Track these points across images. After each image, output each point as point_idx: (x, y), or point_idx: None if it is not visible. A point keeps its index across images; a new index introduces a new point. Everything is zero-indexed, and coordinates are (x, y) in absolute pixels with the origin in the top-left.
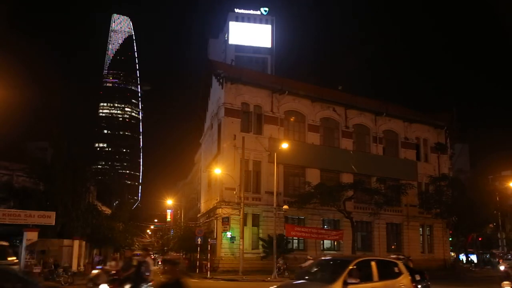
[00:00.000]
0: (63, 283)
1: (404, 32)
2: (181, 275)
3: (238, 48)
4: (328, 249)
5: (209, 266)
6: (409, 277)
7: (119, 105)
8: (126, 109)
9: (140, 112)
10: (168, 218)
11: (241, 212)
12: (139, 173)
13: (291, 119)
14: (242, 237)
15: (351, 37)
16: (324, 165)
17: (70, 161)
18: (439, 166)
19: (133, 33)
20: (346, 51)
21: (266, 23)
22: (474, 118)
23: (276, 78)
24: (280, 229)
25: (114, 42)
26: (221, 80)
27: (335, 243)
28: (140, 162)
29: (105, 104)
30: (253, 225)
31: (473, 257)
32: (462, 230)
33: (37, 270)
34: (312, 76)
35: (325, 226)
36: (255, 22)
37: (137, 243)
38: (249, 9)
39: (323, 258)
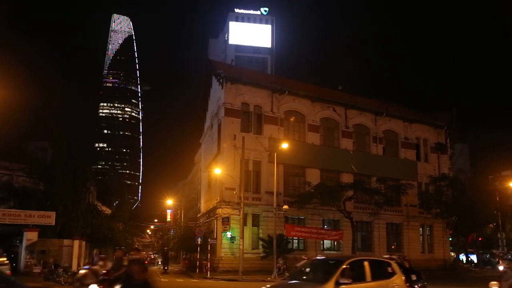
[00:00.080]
0: (63, 283)
1: (404, 32)
2: (149, 275)
3: (238, 48)
4: (328, 249)
5: (209, 266)
6: (403, 277)
7: (119, 105)
8: (126, 109)
9: (140, 112)
10: (168, 218)
11: (241, 212)
12: (139, 173)
13: (291, 119)
14: (242, 237)
15: (351, 37)
16: (324, 165)
17: (70, 161)
18: (439, 166)
19: (133, 33)
20: (346, 51)
21: (266, 23)
22: (474, 118)
23: (276, 78)
24: (280, 229)
25: (114, 42)
26: (221, 80)
27: (335, 243)
28: (140, 162)
29: (105, 104)
30: (253, 225)
31: (473, 257)
32: (462, 230)
33: (37, 270)
34: (312, 76)
35: (325, 226)
36: (255, 22)
37: (137, 243)
38: (249, 9)
39: (316, 257)
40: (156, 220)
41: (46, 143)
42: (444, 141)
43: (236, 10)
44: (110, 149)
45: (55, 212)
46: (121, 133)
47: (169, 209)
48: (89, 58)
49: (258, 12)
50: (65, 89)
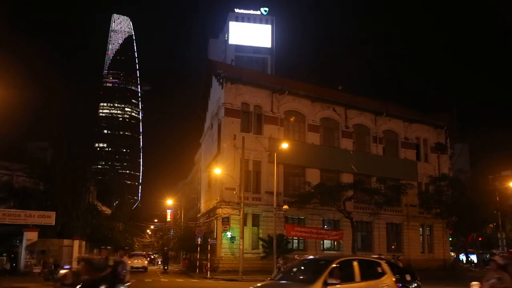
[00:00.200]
0: None
1: (404, 32)
2: (98, 276)
3: (238, 48)
4: (328, 249)
5: (209, 266)
6: (393, 278)
7: (119, 105)
8: (126, 109)
9: (140, 112)
10: (168, 218)
11: (241, 212)
12: (139, 173)
13: (291, 119)
14: (242, 237)
15: (351, 37)
16: (324, 165)
17: (70, 161)
18: (439, 166)
19: (133, 33)
20: (346, 51)
21: (266, 23)
22: (474, 118)
23: (276, 78)
24: (280, 229)
25: (114, 42)
26: (221, 80)
27: (335, 243)
28: (140, 162)
29: (105, 104)
30: (253, 225)
31: (473, 257)
32: (462, 230)
33: (37, 270)
34: (312, 76)
35: (325, 226)
36: (255, 22)
37: (137, 243)
38: (249, 9)
39: (306, 257)
40: (156, 220)
41: (46, 143)
42: (444, 141)
43: (236, 10)
44: (110, 149)
45: (55, 212)
46: (121, 133)
47: (169, 209)
48: (89, 58)
49: (258, 12)
50: (65, 89)
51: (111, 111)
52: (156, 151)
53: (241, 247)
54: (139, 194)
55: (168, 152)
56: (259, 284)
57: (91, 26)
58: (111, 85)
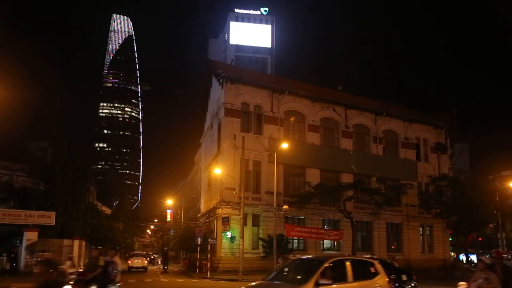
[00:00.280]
0: None
1: (404, 32)
2: (58, 277)
3: (238, 48)
4: (328, 249)
5: (209, 266)
6: (386, 278)
7: (119, 105)
8: (126, 109)
9: (140, 112)
10: (168, 218)
11: (241, 212)
12: (139, 173)
13: (291, 119)
14: (242, 237)
15: (351, 37)
16: (324, 165)
17: (70, 161)
18: (439, 166)
19: (133, 33)
20: (346, 51)
21: (266, 23)
22: (474, 118)
23: (276, 78)
24: (280, 229)
25: (114, 42)
26: (221, 80)
27: (335, 243)
28: (140, 162)
29: (105, 104)
30: (253, 225)
31: (473, 257)
32: (462, 230)
33: (37, 270)
34: (312, 76)
35: (325, 226)
36: (255, 22)
37: (137, 243)
38: (249, 9)
39: (298, 257)
40: (156, 220)
41: (46, 143)
42: (444, 141)
43: (236, 10)
44: (110, 149)
45: (55, 212)
46: (121, 133)
47: (169, 209)
48: (89, 58)
49: (258, 12)
50: (65, 89)
51: (111, 111)
52: (156, 151)
53: (241, 247)
54: (139, 194)
55: (168, 152)
56: (251, 284)
57: (91, 26)
58: (111, 85)
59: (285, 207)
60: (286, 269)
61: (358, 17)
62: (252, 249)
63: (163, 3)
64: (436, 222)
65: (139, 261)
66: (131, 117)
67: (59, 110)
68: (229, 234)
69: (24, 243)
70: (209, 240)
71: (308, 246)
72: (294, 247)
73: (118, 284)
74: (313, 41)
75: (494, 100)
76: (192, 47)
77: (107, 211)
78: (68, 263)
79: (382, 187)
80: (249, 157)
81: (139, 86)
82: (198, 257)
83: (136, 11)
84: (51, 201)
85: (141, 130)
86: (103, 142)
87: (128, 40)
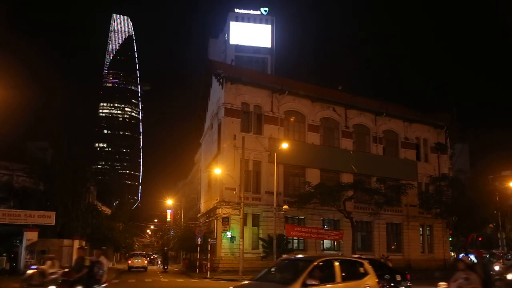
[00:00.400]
0: None
1: (404, 32)
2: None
3: (238, 48)
4: (328, 249)
5: (209, 266)
6: (375, 278)
7: (119, 105)
8: (126, 109)
9: (140, 112)
10: (168, 218)
11: (241, 212)
12: (139, 173)
13: (291, 119)
14: (242, 237)
15: (351, 37)
16: (324, 165)
17: (70, 161)
18: (439, 166)
19: (133, 33)
20: (346, 51)
21: (266, 23)
22: (474, 118)
23: (276, 78)
24: (280, 229)
25: (114, 42)
26: (221, 80)
27: (335, 243)
28: (140, 162)
29: (105, 104)
30: (253, 225)
31: (473, 257)
32: (462, 230)
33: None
34: (312, 76)
35: (325, 226)
36: (255, 22)
37: (137, 243)
38: (249, 9)
39: (286, 257)
40: (156, 220)
41: (46, 143)
42: (444, 141)
43: (236, 10)
44: (110, 149)
45: (55, 212)
46: (121, 133)
47: (169, 209)
48: (89, 58)
49: (258, 12)
50: (65, 89)
51: (111, 111)
52: (156, 151)
53: (241, 247)
54: (139, 194)
55: (168, 152)
56: (238, 284)
57: (91, 26)
58: (111, 85)
59: (285, 207)
60: (273, 269)
61: (358, 17)
62: (252, 249)
63: (163, 3)
64: (436, 222)
65: (139, 261)
66: (131, 117)
67: (59, 110)
68: (229, 234)
69: (24, 243)
70: (209, 240)
71: (308, 246)
72: (294, 247)
73: (104, 285)
74: (313, 41)
75: (494, 100)
76: (192, 47)
77: (107, 211)
78: (49, 263)
79: (382, 187)
80: (249, 157)
81: (139, 86)
82: (198, 257)
83: (136, 11)
84: (51, 201)
85: (141, 130)
86: (103, 142)
87: (128, 40)
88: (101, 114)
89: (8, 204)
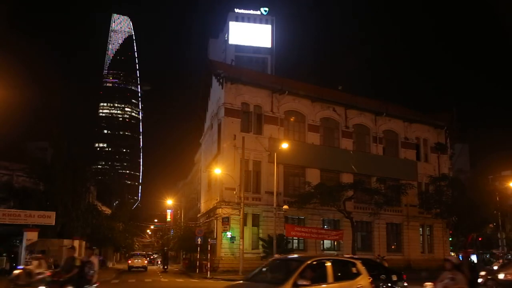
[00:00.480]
0: None
1: (404, 32)
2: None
3: (238, 48)
4: (328, 249)
5: (209, 266)
6: (368, 278)
7: (119, 105)
8: (126, 109)
9: (140, 112)
10: (168, 218)
11: (241, 212)
12: (139, 173)
13: (291, 119)
14: (242, 237)
15: (351, 37)
16: (324, 165)
17: (70, 161)
18: (439, 166)
19: (133, 33)
20: (346, 51)
21: (266, 23)
22: (474, 118)
23: (276, 78)
24: (280, 229)
25: (114, 42)
26: (221, 80)
27: (335, 243)
28: (140, 162)
29: (105, 104)
30: (253, 225)
31: (473, 257)
32: (462, 230)
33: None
34: (312, 76)
35: (325, 226)
36: (255, 22)
37: (137, 243)
38: (249, 9)
39: (277, 257)
40: (156, 220)
41: (46, 143)
42: (444, 141)
43: (236, 10)
44: (110, 149)
45: (55, 212)
46: (121, 133)
47: (169, 209)
48: (89, 58)
49: (258, 12)
50: (65, 89)
51: (111, 111)
52: (156, 151)
53: (241, 247)
54: (139, 194)
55: (168, 152)
56: (229, 284)
57: (91, 26)
58: (111, 85)
59: (285, 207)
60: (265, 269)
61: (358, 17)
62: (252, 249)
63: (163, 3)
64: (436, 222)
65: (139, 261)
66: (131, 117)
67: (59, 110)
68: (229, 234)
69: (24, 243)
70: (209, 240)
71: (308, 246)
72: (294, 247)
73: (95, 285)
74: (313, 41)
75: (494, 100)
76: (192, 47)
77: (107, 211)
78: (35, 263)
79: (382, 187)
80: (249, 157)
81: (139, 86)
82: (198, 257)
83: (136, 11)
84: (51, 201)
85: (141, 130)
86: (103, 142)
87: (128, 40)
88: (101, 114)
89: (8, 204)
